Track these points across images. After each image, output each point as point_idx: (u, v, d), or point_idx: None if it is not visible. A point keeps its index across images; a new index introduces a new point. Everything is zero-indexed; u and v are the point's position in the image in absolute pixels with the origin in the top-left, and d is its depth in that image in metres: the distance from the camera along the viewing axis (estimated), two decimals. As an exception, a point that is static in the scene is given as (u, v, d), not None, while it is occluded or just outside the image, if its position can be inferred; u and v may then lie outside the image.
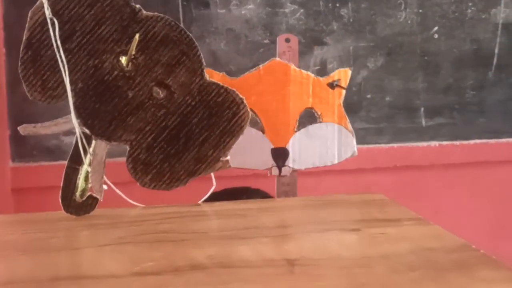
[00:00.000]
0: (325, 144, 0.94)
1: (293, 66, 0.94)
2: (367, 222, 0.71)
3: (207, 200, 1.07)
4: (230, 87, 0.80)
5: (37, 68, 0.75)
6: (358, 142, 1.61)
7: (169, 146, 0.78)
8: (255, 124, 0.94)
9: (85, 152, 0.77)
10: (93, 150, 0.77)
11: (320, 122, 0.94)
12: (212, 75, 0.93)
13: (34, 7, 0.75)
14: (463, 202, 1.68)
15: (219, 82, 0.79)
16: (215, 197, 1.13)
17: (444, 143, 1.66)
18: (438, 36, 1.64)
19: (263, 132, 0.94)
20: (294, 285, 0.52)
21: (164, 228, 0.72)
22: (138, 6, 0.76)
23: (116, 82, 0.76)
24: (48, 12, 0.74)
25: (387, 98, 1.64)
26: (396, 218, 0.73)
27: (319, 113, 0.94)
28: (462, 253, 0.58)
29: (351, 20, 1.61)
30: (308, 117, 0.95)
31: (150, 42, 0.77)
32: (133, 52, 0.75)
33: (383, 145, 1.65)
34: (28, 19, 0.75)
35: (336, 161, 0.95)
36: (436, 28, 1.63)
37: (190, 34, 0.78)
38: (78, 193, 0.78)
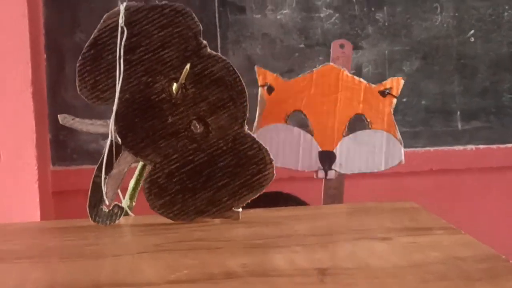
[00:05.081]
0: (373, 151, 0.94)
1: (346, 72, 0.94)
2: (398, 231, 0.72)
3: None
4: (263, 145, 0.79)
5: (94, 68, 0.77)
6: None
7: (188, 179, 0.79)
8: (305, 126, 0.95)
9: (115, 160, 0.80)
10: (119, 160, 0.79)
11: (369, 128, 0.94)
12: (266, 75, 0.95)
13: (110, 12, 0.77)
14: (500, 206, 1.67)
15: (255, 137, 0.79)
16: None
17: (481, 146, 1.65)
18: (475, 39, 1.63)
19: (312, 135, 0.95)
20: (325, 295, 0.53)
21: (199, 235, 0.74)
22: (205, 42, 0.78)
23: (161, 105, 0.78)
24: (121, 21, 0.76)
25: (423, 102, 1.64)
26: (427, 227, 0.74)
27: (368, 120, 0.95)
28: (492, 263, 0.59)
29: (386, 24, 1.61)
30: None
31: (204, 78, 0.78)
32: (183, 81, 0.77)
33: (419, 149, 1.65)
34: (102, 21, 0.77)
35: (382, 169, 0.95)
36: (472, 31, 1.63)
37: (244, 84, 0.79)
38: (129, 193, 0.81)
